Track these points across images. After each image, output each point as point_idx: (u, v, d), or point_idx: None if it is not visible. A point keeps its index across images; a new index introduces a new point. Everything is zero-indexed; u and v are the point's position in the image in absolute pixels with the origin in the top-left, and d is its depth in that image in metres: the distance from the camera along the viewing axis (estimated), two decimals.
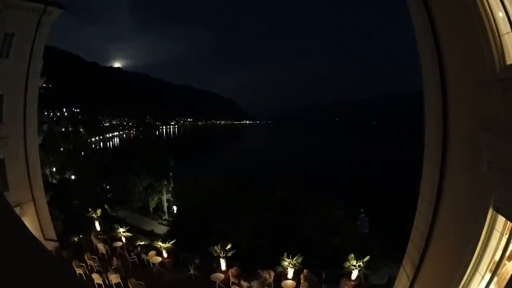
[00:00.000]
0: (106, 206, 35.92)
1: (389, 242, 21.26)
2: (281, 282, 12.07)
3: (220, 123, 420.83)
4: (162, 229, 32.01)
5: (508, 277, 4.16)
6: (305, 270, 12.00)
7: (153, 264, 13.66)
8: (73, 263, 12.88)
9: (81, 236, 17.75)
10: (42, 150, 20.30)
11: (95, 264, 13.26)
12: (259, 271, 12.28)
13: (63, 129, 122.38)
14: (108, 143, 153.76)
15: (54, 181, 47.13)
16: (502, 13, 3.92)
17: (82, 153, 64.51)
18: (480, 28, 4.18)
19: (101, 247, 15.17)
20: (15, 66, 13.45)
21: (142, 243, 16.65)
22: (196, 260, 14.03)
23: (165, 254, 14.17)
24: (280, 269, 12.55)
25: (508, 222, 4.16)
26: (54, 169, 51.67)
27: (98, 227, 17.75)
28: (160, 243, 14.38)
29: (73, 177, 46.85)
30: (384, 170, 75.26)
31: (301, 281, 11.73)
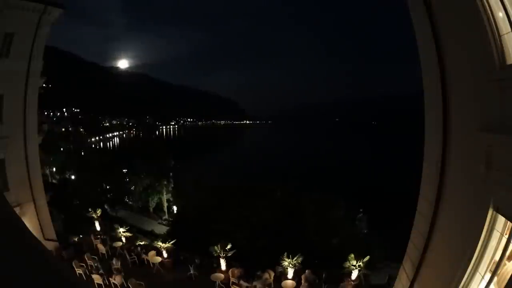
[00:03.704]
0: (106, 206, 35.93)
1: (389, 242, 21.26)
2: (281, 282, 12.07)
3: (220, 123, 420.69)
4: (162, 229, 32.02)
5: (508, 277, 4.16)
6: (307, 271, 12.01)
7: (153, 264, 13.66)
8: (73, 263, 12.88)
9: (81, 236, 17.76)
10: (42, 150, 20.28)
11: (95, 264, 13.25)
12: (259, 272, 12.28)
13: (63, 129, 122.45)
14: (108, 143, 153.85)
15: (54, 181, 47.16)
16: (502, 13, 3.92)
17: (82, 153, 64.57)
18: (480, 28, 4.18)
19: (101, 247, 15.17)
20: (15, 66, 13.44)
21: (142, 243, 16.67)
22: (196, 260, 14.03)
23: (165, 254, 14.17)
24: (280, 269, 12.55)
25: (508, 222, 4.16)
26: (54, 169, 51.69)
27: (98, 227, 17.76)
28: (160, 243, 14.38)
29: (73, 177, 46.86)
30: (384, 170, 75.23)
31: (302, 281, 11.73)
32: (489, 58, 4.11)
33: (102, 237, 16.62)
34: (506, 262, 4.38)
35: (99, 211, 18.02)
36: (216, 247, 12.89)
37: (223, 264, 12.97)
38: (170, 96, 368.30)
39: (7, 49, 12.87)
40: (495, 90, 4.15)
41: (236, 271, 12.36)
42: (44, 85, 16.82)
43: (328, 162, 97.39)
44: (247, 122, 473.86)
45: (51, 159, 49.82)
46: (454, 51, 5.47)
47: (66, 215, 27.26)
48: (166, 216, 39.20)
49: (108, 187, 42.59)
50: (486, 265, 4.65)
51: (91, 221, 18.03)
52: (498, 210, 4.25)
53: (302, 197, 25.08)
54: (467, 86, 5.15)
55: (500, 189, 4.16)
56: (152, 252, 14.24)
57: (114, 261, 13.30)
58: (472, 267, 4.78)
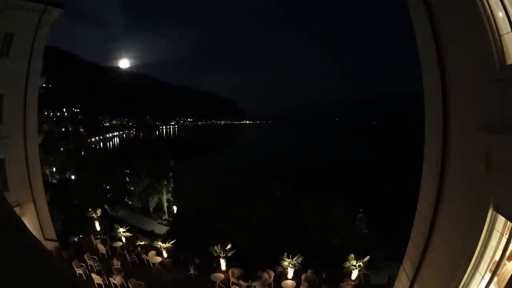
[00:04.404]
0: (106, 206, 35.93)
1: (389, 242, 21.25)
2: (281, 282, 12.08)
3: (220, 123, 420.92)
4: (162, 229, 32.03)
5: (508, 277, 4.16)
6: (309, 271, 12.02)
7: (153, 264, 13.67)
8: (73, 263, 12.89)
9: (81, 236, 17.77)
10: (42, 150, 20.28)
11: (95, 264, 13.25)
12: (259, 272, 12.28)
13: (63, 129, 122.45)
14: (108, 143, 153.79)
15: (54, 181, 47.17)
16: (502, 13, 3.92)
17: (82, 153, 64.56)
18: (480, 28, 4.18)
19: (101, 247, 15.17)
20: (15, 66, 13.44)
21: (142, 243, 16.67)
22: (196, 260, 14.03)
23: (165, 254, 14.17)
24: (280, 269, 12.55)
25: (508, 222, 4.16)
26: (54, 169, 51.69)
27: (98, 227, 17.76)
28: (160, 243, 14.38)
29: (73, 177, 46.85)
30: (384, 170, 75.19)
31: (302, 281, 11.73)
32: (489, 58, 4.11)
33: (102, 237, 16.62)
34: (506, 262, 4.38)
35: (99, 211, 18.02)
36: (216, 247, 12.89)
37: (223, 264, 12.97)
38: (170, 96, 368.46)
39: (7, 49, 12.87)
40: (495, 90, 4.15)
41: (236, 271, 12.36)
42: (44, 85, 16.83)
43: (328, 162, 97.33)
44: (247, 122, 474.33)
45: (51, 159, 49.82)
46: (454, 51, 5.47)
47: (66, 215, 27.26)
48: (166, 216, 39.20)
49: (108, 187, 42.58)
50: (486, 265, 4.65)
51: (91, 221, 18.03)
52: (498, 210, 4.25)
53: (302, 197, 25.07)
54: (467, 86, 5.15)
55: (500, 189, 4.16)
56: (152, 252, 14.24)
57: (114, 261, 13.31)
58: (472, 267, 4.78)
